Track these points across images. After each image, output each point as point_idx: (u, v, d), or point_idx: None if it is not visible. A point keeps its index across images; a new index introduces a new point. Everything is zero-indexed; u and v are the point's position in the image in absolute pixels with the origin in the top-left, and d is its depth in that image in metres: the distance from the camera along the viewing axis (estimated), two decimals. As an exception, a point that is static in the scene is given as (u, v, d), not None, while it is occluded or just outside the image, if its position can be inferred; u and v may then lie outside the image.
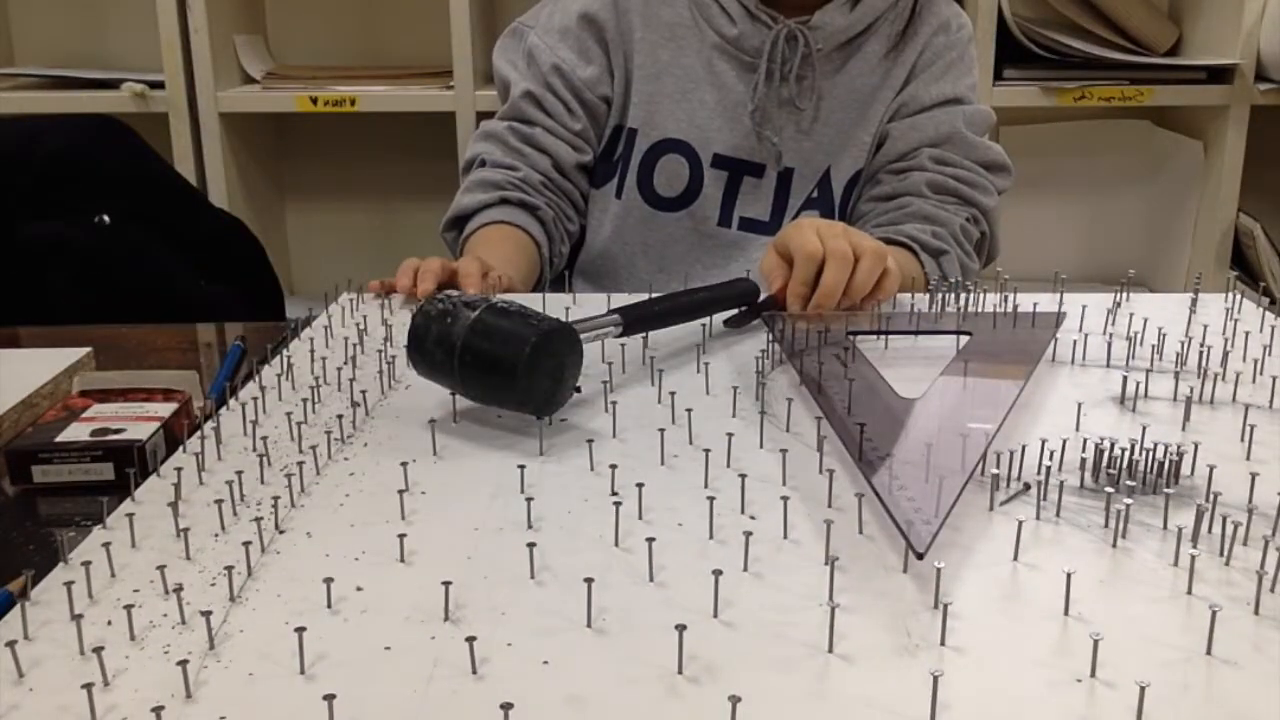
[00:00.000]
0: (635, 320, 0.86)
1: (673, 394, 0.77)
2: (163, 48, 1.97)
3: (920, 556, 0.56)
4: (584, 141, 1.28)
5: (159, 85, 1.99)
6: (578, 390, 0.76)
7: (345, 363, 0.86)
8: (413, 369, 0.77)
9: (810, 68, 1.22)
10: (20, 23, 2.27)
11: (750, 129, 1.24)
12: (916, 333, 0.90)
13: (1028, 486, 0.65)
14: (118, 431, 0.72)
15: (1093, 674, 0.48)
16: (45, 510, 0.69)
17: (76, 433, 0.73)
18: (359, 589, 0.55)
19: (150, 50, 1.99)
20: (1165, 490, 0.64)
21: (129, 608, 0.52)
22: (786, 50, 1.21)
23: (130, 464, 0.67)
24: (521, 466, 0.67)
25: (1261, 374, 0.83)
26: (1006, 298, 1.00)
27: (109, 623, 0.52)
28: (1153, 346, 0.88)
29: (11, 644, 0.49)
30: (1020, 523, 0.59)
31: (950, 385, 0.80)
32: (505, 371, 0.70)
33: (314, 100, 1.99)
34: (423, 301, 0.77)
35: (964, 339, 0.90)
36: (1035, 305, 0.99)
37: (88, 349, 0.89)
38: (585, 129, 1.28)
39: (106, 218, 1.44)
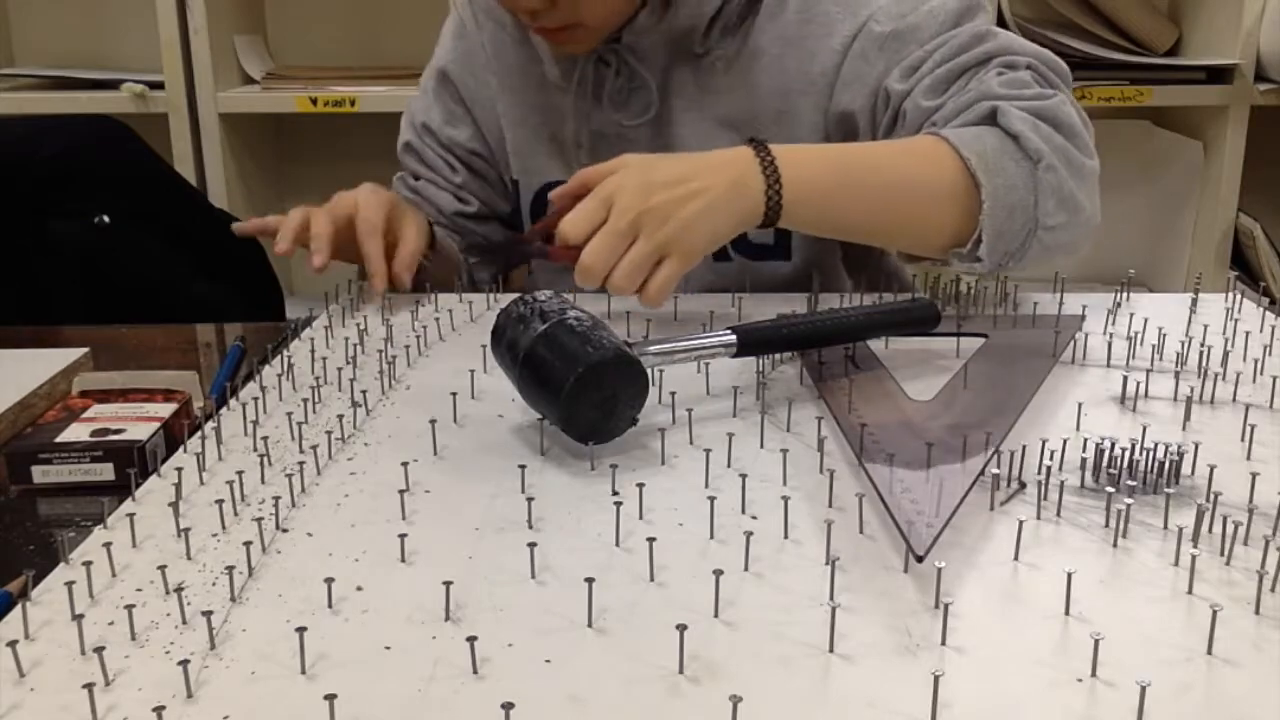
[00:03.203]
0: (754, 343, 0.80)
1: (673, 394, 0.77)
2: (163, 48, 1.97)
3: (920, 559, 0.56)
4: (468, 194, 1.23)
5: (159, 85, 1.99)
6: (634, 423, 0.72)
7: (346, 363, 0.86)
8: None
9: (625, 81, 1.08)
10: (20, 23, 2.27)
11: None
12: (929, 334, 0.88)
13: (1024, 486, 0.65)
14: (118, 432, 0.72)
15: (1093, 674, 0.48)
16: (45, 510, 0.69)
17: (77, 433, 0.73)
18: (360, 589, 0.55)
19: (150, 50, 1.99)
20: (1166, 490, 0.64)
21: (130, 608, 0.52)
22: (598, 74, 1.09)
23: (131, 464, 0.67)
24: (522, 466, 0.67)
25: (1262, 374, 0.83)
26: (1007, 297, 1.00)
27: (110, 623, 0.52)
28: (1153, 346, 0.88)
29: (13, 644, 0.49)
30: (1021, 522, 0.59)
31: (961, 387, 0.80)
32: (552, 393, 0.69)
33: (314, 100, 1.99)
34: (511, 300, 0.76)
35: (979, 340, 0.90)
36: (1035, 305, 0.99)
37: (85, 349, 0.89)
38: (466, 181, 1.22)
39: (106, 218, 1.44)
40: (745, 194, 0.88)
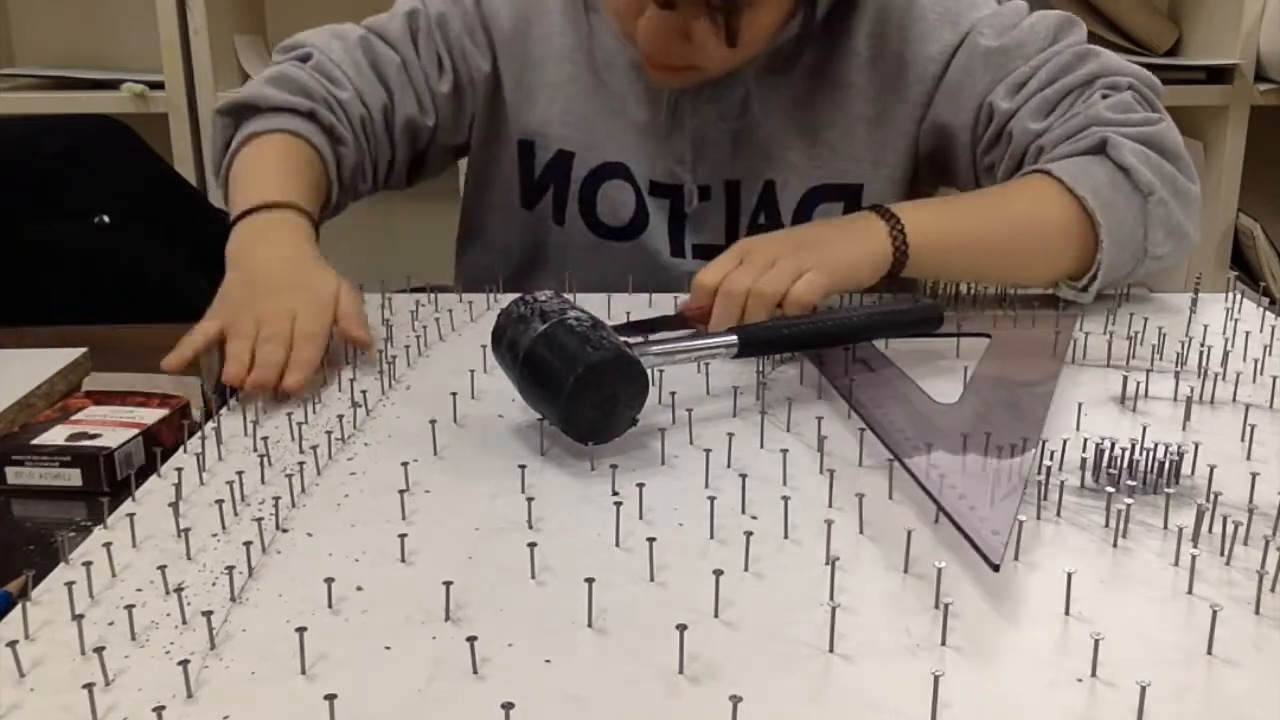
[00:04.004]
0: (755, 343, 0.80)
1: (673, 394, 0.77)
2: (162, 48, 1.97)
3: (996, 568, 0.55)
4: (433, 108, 1.11)
5: (159, 85, 1.99)
6: (634, 423, 0.72)
7: (346, 363, 0.86)
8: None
9: (723, 81, 1.04)
10: (20, 23, 2.27)
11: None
12: (934, 335, 0.88)
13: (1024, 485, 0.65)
14: (94, 437, 0.72)
15: (1093, 674, 0.48)
16: (45, 511, 0.69)
17: (54, 436, 0.72)
18: (360, 589, 0.55)
19: (150, 50, 1.99)
20: (1166, 490, 0.64)
21: (130, 608, 0.52)
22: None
23: (98, 471, 0.67)
24: (522, 466, 0.66)
25: (1262, 374, 0.83)
26: (1006, 297, 1.00)
27: (110, 623, 0.52)
28: (1153, 346, 0.88)
29: (13, 644, 0.49)
30: (1021, 522, 0.59)
31: (981, 389, 0.80)
32: (552, 393, 0.69)
33: (314, 100, 1.98)
34: (512, 300, 0.75)
35: (981, 341, 0.90)
36: (1035, 305, 0.99)
37: (83, 349, 0.89)
38: (444, 99, 1.11)
39: (106, 218, 1.44)
40: (874, 238, 0.91)
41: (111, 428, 0.73)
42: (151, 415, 0.76)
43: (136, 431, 0.73)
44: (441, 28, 1.10)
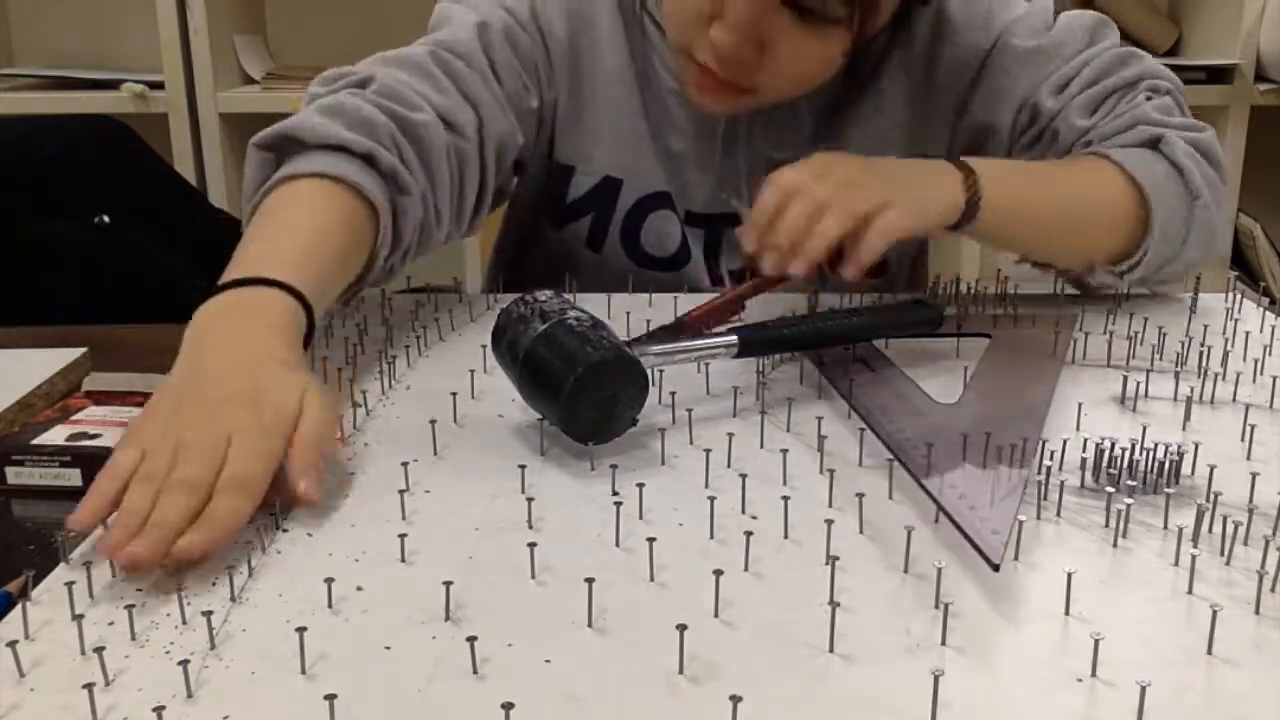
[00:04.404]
0: (755, 344, 0.79)
1: (673, 394, 0.77)
2: (162, 48, 1.97)
3: (996, 568, 0.55)
4: (519, 126, 0.99)
5: (159, 85, 1.99)
6: (634, 423, 0.71)
7: (346, 363, 0.86)
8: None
9: (779, 109, 1.02)
10: (20, 23, 2.27)
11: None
12: (934, 335, 0.88)
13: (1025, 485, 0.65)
14: (94, 437, 0.72)
15: (1093, 674, 0.48)
16: (45, 511, 0.69)
17: (54, 436, 0.72)
18: (360, 589, 0.55)
19: (150, 50, 2.00)
20: (1166, 490, 0.64)
21: (130, 607, 0.52)
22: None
23: (97, 472, 0.67)
24: (522, 466, 0.66)
25: (1262, 374, 0.83)
26: (1006, 297, 1.00)
27: (110, 623, 0.52)
28: (1153, 346, 0.88)
29: (12, 644, 0.49)
30: (1021, 522, 0.59)
31: (980, 390, 0.80)
32: (552, 393, 0.69)
33: (314, 100, 1.99)
34: (512, 300, 0.74)
35: (982, 341, 0.90)
36: (1035, 305, 0.99)
37: (83, 349, 0.89)
38: (530, 115, 1.00)
39: (106, 218, 1.44)
40: (952, 187, 0.87)
41: (111, 428, 0.73)
42: None
43: None
44: (512, 40, 1.00)
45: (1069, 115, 0.99)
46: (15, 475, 0.70)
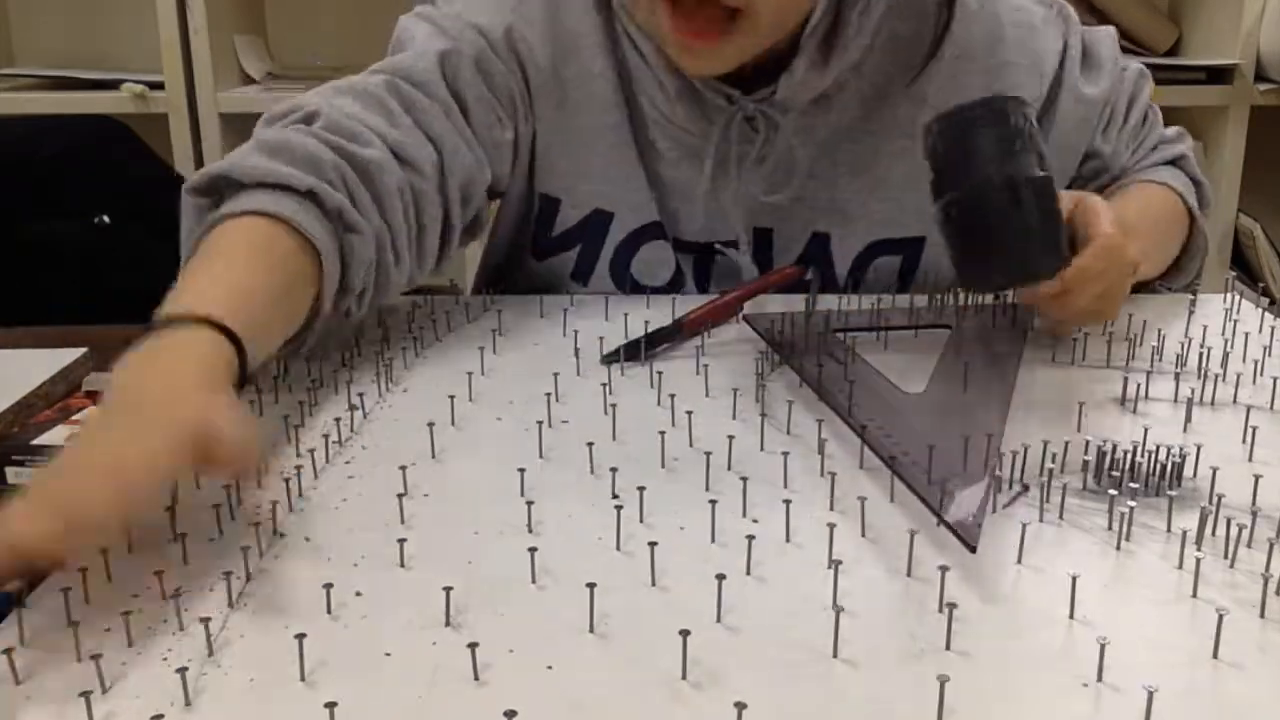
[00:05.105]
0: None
1: (672, 396, 0.77)
2: (162, 48, 1.97)
3: (973, 550, 0.56)
4: (488, 161, 0.93)
5: (159, 86, 1.99)
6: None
7: (342, 366, 0.85)
8: None
9: (771, 147, 0.97)
10: (20, 23, 2.26)
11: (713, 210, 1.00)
12: (896, 327, 0.91)
13: (1026, 488, 0.65)
14: None
15: (1099, 678, 0.48)
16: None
17: (54, 436, 0.72)
18: (359, 594, 0.55)
19: (150, 50, 1.99)
20: (1168, 492, 0.63)
21: (126, 614, 0.51)
22: (740, 134, 0.97)
23: None
24: (521, 470, 0.66)
25: (1262, 375, 0.83)
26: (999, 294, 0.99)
27: (106, 629, 0.52)
28: (1152, 347, 0.88)
29: (8, 651, 0.49)
30: (1024, 525, 0.58)
31: (948, 381, 0.81)
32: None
33: (313, 101, 1.98)
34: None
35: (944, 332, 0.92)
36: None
37: (83, 349, 0.89)
38: (504, 149, 0.96)
39: (106, 218, 1.44)
40: None
41: None
42: None
43: None
44: (484, 69, 0.93)
45: (1120, 154, 1.06)
46: (15, 475, 0.70)
